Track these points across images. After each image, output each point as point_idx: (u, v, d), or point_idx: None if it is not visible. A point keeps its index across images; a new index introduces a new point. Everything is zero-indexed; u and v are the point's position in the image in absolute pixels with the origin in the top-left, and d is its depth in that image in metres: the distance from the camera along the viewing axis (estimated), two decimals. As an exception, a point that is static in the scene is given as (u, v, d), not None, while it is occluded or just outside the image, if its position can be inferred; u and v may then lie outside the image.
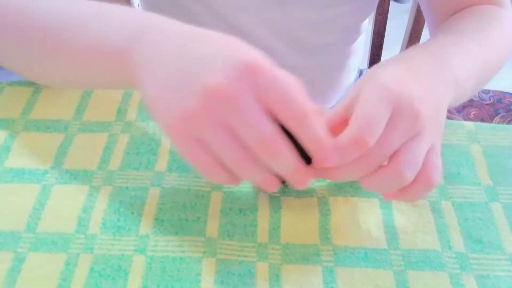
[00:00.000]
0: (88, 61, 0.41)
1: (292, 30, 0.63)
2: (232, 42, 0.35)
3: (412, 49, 0.45)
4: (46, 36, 0.43)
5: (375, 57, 0.98)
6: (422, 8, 0.62)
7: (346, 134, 0.35)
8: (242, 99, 0.32)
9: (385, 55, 0.99)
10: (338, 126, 0.38)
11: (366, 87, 0.37)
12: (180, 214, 0.42)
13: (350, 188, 0.44)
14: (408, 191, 0.38)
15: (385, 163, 0.37)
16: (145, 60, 0.37)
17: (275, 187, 0.36)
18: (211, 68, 0.33)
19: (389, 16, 0.93)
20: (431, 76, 0.41)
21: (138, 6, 1.54)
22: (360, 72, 0.87)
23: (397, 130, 0.36)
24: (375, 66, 0.41)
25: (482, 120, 0.96)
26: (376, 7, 0.69)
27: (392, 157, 0.36)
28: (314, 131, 0.34)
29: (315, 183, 0.44)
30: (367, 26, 0.75)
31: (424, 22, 0.86)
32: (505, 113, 0.97)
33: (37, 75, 0.48)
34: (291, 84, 0.33)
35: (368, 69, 0.40)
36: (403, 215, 0.43)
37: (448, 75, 0.42)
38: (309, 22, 0.63)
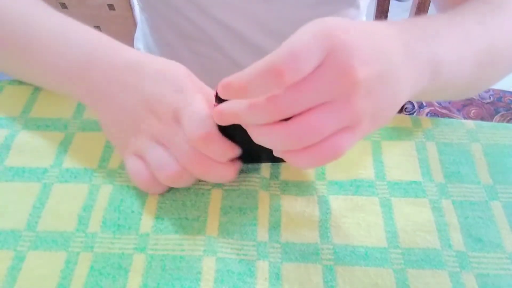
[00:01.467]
0: (48, 76, 0.46)
1: (280, 29, 0.63)
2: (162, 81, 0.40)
3: (395, 22, 0.38)
4: (7, 36, 0.46)
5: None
6: None
7: (263, 60, 0.30)
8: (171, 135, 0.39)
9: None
10: None
11: (306, 25, 0.31)
12: (180, 213, 0.42)
13: (350, 187, 0.44)
14: (295, 155, 0.33)
15: None
16: (89, 96, 0.44)
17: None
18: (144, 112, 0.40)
19: (389, 15, 0.93)
20: (397, 46, 0.34)
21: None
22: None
23: (319, 81, 0.30)
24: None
25: (482, 118, 0.96)
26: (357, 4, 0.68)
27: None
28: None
29: (316, 182, 0.45)
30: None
31: (424, 20, 0.86)
32: (505, 112, 0.97)
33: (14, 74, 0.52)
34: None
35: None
36: (403, 214, 0.43)
37: (423, 53, 0.36)
38: (296, 21, 0.63)
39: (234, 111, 0.34)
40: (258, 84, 0.30)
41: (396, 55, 0.34)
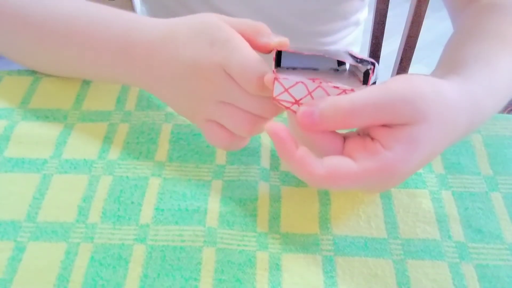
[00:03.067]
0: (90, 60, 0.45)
1: (284, 20, 0.63)
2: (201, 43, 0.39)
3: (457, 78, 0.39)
4: (48, 33, 0.46)
5: (375, 46, 0.98)
6: None
7: (337, 173, 0.33)
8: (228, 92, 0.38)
9: (386, 44, 0.99)
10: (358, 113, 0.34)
11: (404, 143, 0.33)
12: (180, 204, 0.42)
13: (350, 178, 0.44)
14: None
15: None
16: (141, 80, 0.43)
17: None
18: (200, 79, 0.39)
19: (390, 5, 0.93)
20: (465, 121, 0.37)
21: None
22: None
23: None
24: (436, 87, 0.35)
25: (482, 109, 0.95)
26: None
27: None
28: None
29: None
30: (366, 16, 0.75)
31: (425, 11, 0.86)
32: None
33: (40, 65, 0.51)
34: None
35: (423, 77, 0.36)
36: (403, 205, 0.43)
37: (475, 117, 0.39)
38: (300, 12, 0.63)
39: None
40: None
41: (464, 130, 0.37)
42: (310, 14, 0.63)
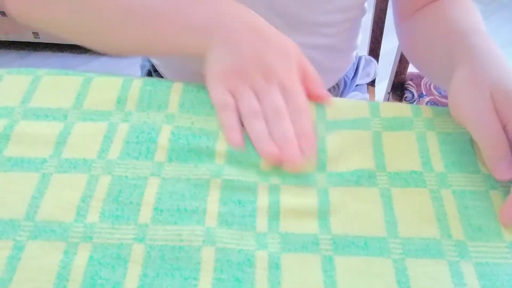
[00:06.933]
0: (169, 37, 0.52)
1: (288, 8, 0.63)
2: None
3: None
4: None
5: (375, 43, 0.98)
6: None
7: None
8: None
9: (385, 42, 0.99)
10: None
11: None
12: (179, 203, 0.42)
13: (351, 177, 0.44)
14: None
15: None
16: (212, 49, 0.49)
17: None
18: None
19: (389, 3, 0.93)
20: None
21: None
22: (359, 59, 0.86)
23: None
24: None
25: (482, 107, 0.95)
26: None
27: None
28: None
29: (316, 173, 0.44)
30: (366, 13, 0.74)
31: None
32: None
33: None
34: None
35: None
36: (403, 204, 0.42)
37: None
38: (305, 1, 0.63)
39: None
40: None
41: None
42: (312, 2, 0.64)
